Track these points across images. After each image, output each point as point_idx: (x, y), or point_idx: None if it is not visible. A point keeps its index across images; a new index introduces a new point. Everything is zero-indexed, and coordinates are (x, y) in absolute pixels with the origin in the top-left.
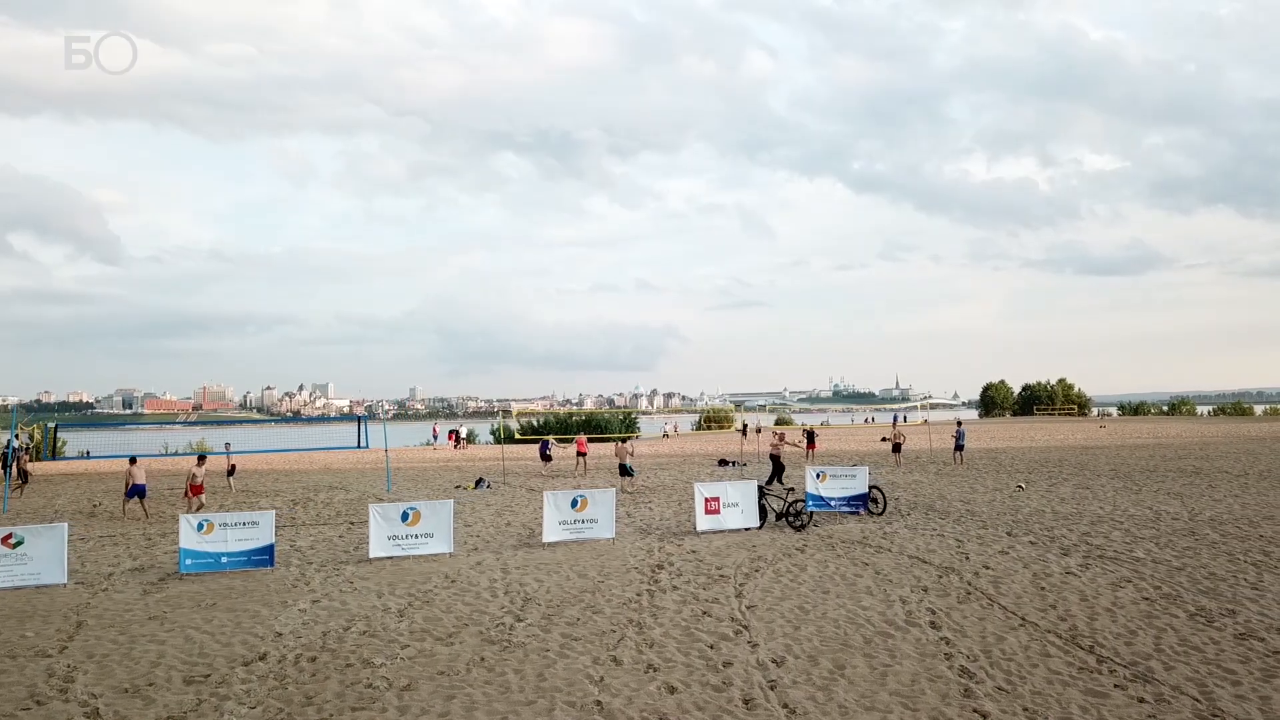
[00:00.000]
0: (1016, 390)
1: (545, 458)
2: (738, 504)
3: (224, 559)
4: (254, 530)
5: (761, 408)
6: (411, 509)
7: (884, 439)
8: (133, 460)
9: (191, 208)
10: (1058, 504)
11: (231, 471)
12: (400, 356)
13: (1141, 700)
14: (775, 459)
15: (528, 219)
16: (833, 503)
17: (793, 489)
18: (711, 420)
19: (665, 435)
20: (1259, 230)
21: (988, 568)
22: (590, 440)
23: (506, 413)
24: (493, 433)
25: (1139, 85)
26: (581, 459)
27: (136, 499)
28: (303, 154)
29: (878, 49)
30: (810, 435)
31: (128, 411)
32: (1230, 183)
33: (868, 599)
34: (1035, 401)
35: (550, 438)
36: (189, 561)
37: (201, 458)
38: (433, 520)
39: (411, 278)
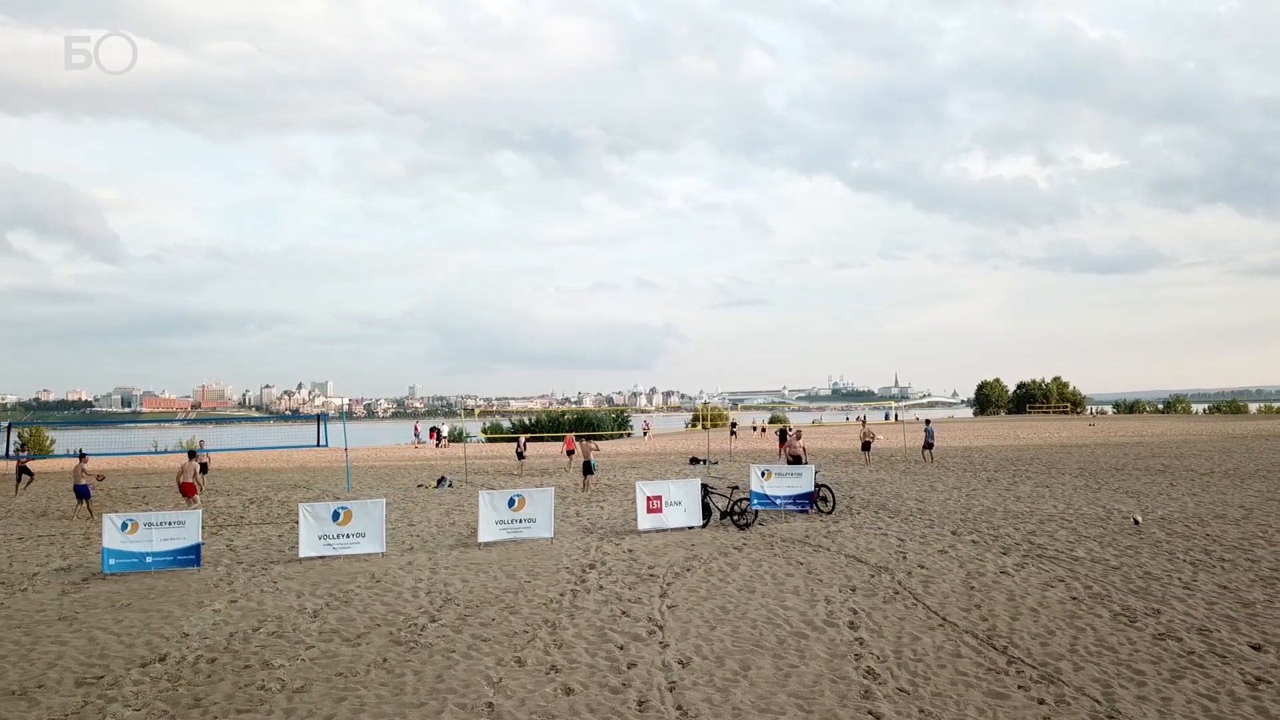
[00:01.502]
0: (1011, 388)
1: (521, 456)
2: (680, 503)
3: (149, 559)
4: (180, 530)
5: (760, 406)
6: (343, 508)
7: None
8: (82, 457)
9: (191, 206)
10: (1012, 502)
11: (203, 469)
12: (399, 355)
13: (1041, 702)
14: (796, 461)
15: (527, 217)
16: (778, 501)
17: (737, 487)
18: (703, 418)
19: (645, 433)
20: (1258, 229)
21: (922, 567)
22: (583, 438)
23: (500, 412)
24: (484, 430)
25: (1137, 83)
26: (571, 458)
27: (83, 499)
28: (301, 152)
29: (876, 47)
30: (783, 434)
31: (126, 410)
32: (1229, 181)
33: (792, 599)
34: (1030, 400)
35: (523, 436)
36: (112, 561)
37: (192, 454)
38: (364, 520)
39: (410, 276)
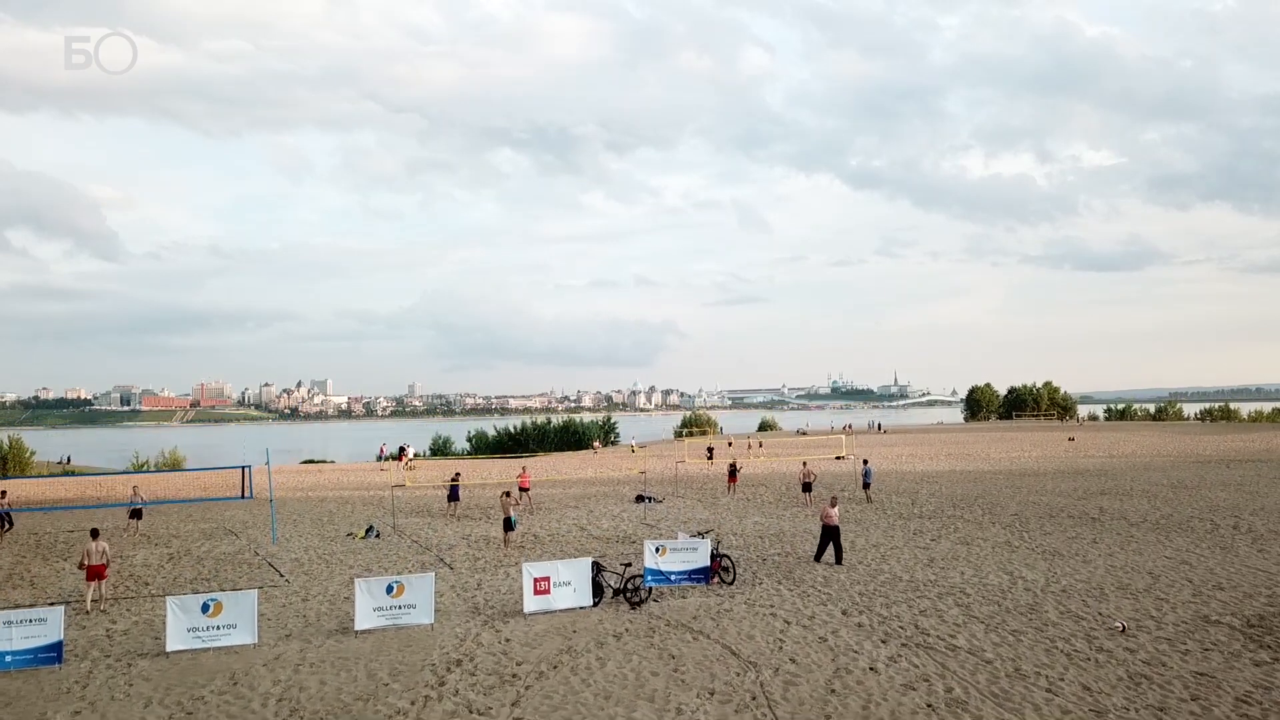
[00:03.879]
0: (1003, 392)
1: (453, 498)
2: (569, 582)
3: (8, 658)
4: (41, 627)
5: (760, 404)
6: (213, 600)
7: (806, 472)
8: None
9: (189, 204)
10: (923, 567)
11: (138, 515)
12: (399, 352)
13: None
14: (829, 530)
15: (525, 214)
16: (673, 577)
17: (630, 564)
18: (693, 426)
19: (633, 450)
20: (1257, 226)
21: (794, 661)
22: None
23: (500, 410)
24: (470, 439)
25: (1135, 80)
26: (525, 495)
27: None
28: (300, 150)
29: (873, 44)
30: (732, 470)
31: (125, 409)
32: (1228, 178)
33: (643, 709)
34: (1020, 404)
35: (459, 477)
36: None
37: (95, 532)
38: (236, 611)
39: (409, 273)
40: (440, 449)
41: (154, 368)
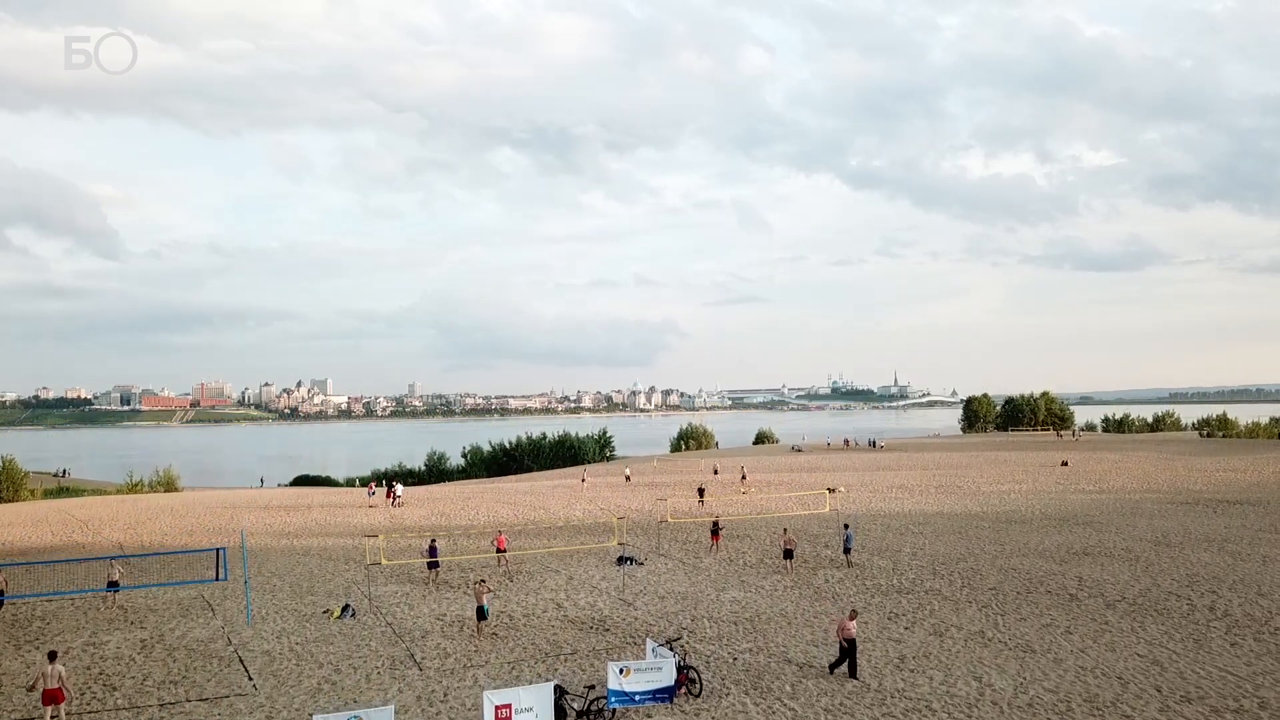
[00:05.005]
0: (1009, 386)
1: (432, 565)
2: (531, 708)
3: None
4: None
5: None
6: None
7: (786, 534)
8: None
9: (189, 202)
10: (892, 670)
11: (114, 586)
12: (399, 351)
13: None
14: (846, 643)
15: (525, 214)
16: (637, 698)
17: (593, 686)
18: (690, 438)
19: (626, 478)
20: (1257, 226)
21: None
22: (481, 581)
23: (500, 411)
24: (465, 455)
25: (1135, 81)
26: (502, 556)
27: None
28: (300, 149)
29: (873, 44)
30: (715, 528)
31: (125, 408)
32: (1228, 178)
33: None
34: (1018, 415)
35: (438, 540)
36: None
37: (53, 655)
38: None
39: (409, 273)
40: (435, 465)
41: (154, 366)
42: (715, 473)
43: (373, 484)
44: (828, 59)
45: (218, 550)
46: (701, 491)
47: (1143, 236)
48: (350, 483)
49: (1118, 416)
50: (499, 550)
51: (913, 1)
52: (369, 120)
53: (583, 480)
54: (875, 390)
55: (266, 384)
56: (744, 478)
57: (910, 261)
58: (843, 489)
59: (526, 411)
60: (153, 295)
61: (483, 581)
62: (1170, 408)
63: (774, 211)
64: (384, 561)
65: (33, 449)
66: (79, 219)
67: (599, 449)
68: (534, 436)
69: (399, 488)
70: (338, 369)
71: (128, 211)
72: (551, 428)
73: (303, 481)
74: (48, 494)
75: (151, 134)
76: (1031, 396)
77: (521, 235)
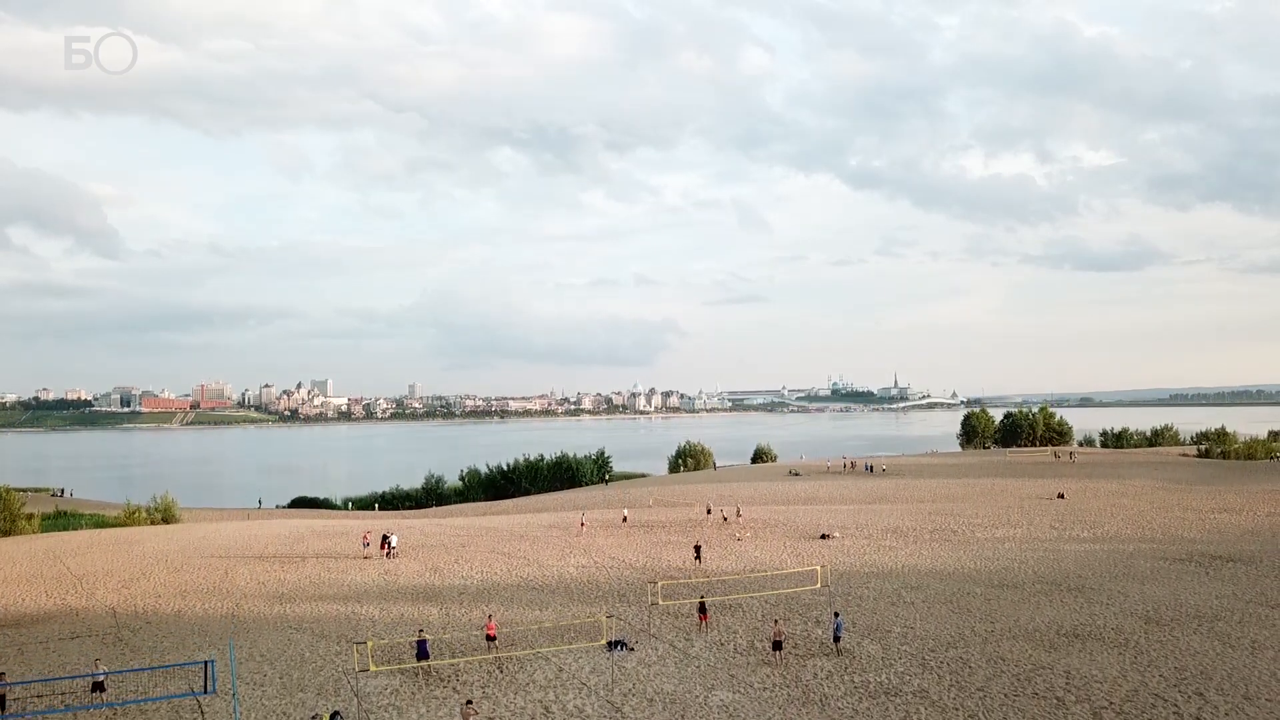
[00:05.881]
0: (999, 416)
1: (422, 655)
2: None
3: None
4: None
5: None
6: None
7: (777, 628)
8: None
9: (189, 202)
10: None
11: (100, 688)
12: (399, 350)
13: None
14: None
15: (525, 214)
16: None
17: None
18: (687, 457)
19: (623, 519)
20: (1257, 226)
21: None
22: (564, 487)
23: (500, 413)
24: (462, 479)
25: (1134, 81)
26: (492, 644)
27: None
28: (300, 149)
29: (872, 44)
30: (702, 606)
31: (125, 410)
32: (1228, 179)
33: None
34: (1016, 432)
35: (426, 635)
36: None
37: None
38: None
39: (410, 272)
40: (434, 489)
41: (154, 366)
42: (709, 512)
43: (366, 534)
44: (827, 59)
45: (206, 664)
46: (698, 549)
47: (1143, 237)
48: (347, 505)
49: (1116, 430)
50: (489, 637)
51: (912, 1)
52: (369, 120)
53: (581, 524)
54: (875, 392)
55: (267, 385)
56: (739, 514)
57: (910, 261)
58: (837, 534)
59: (526, 413)
60: (153, 294)
61: (470, 703)
62: (1169, 420)
63: (774, 211)
64: (373, 668)
65: (33, 454)
66: (79, 218)
67: (596, 470)
68: (531, 459)
69: (393, 538)
70: (338, 368)
71: (128, 210)
72: (550, 435)
73: (301, 504)
74: (46, 522)
75: (151, 134)
76: (1030, 412)
77: (521, 235)
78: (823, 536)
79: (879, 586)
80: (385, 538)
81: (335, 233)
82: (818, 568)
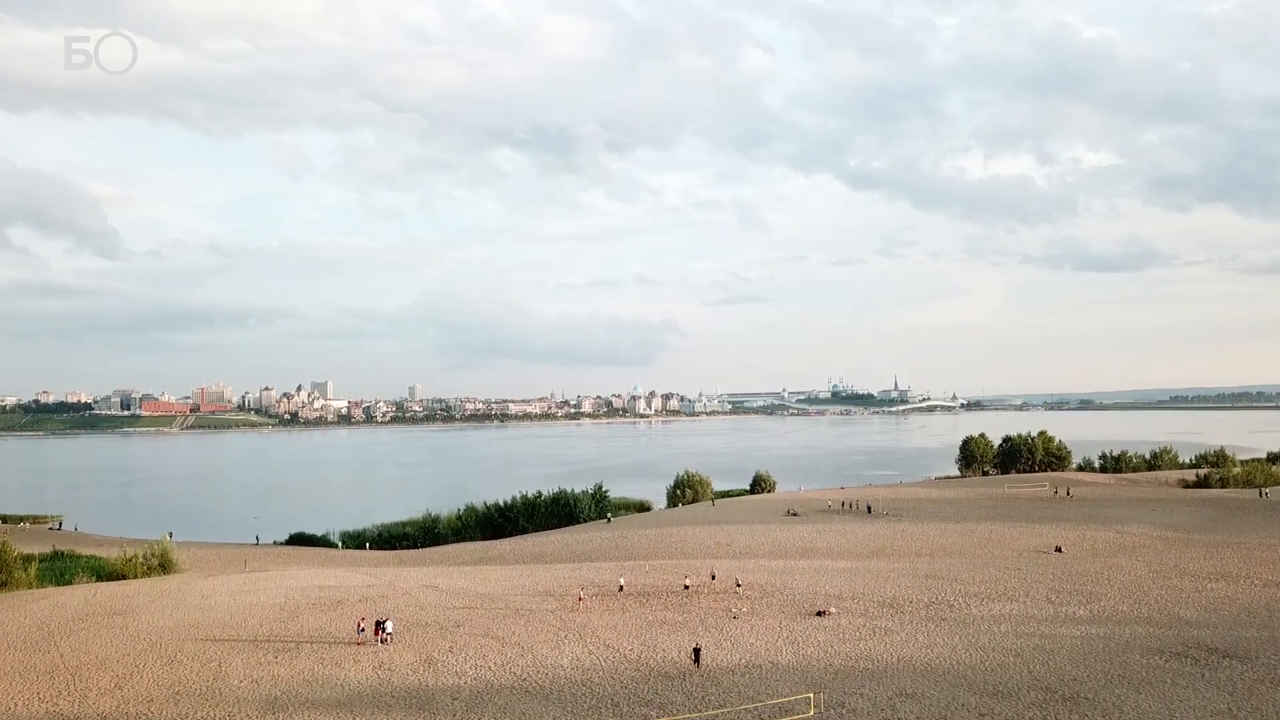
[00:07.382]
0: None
1: None
2: None
3: None
4: None
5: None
6: None
7: None
8: None
9: (190, 202)
10: None
11: None
12: (399, 351)
13: None
14: None
15: (525, 214)
16: None
17: None
18: (685, 488)
19: (620, 588)
20: (1257, 227)
21: None
22: (563, 524)
23: (500, 416)
24: (459, 517)
25: (1134, 82)
26: None
27: None
28: (300, 149)
29: (872, 45)
30: None
31: (125, 413)
32: (1227, 179)
33: None
34: (1015, 455)
35: None
36: None
37: None
38: None
39: (410, 272)
40: (430, 527)
41: (154, 365)
42: (713, 577)
43: (360, 620)
44: (827, 59)
45: None
46: (697, 653)
47: (1143, 237)
48: (345, 544)
49: (1115, 453)
50: None
51: (911, 2)
52: (369, 120)
53: (579, 599)
54: (875, 394)
55: (266, 388)
56: (737, 584)
57: (910, 261)
58: (833, 610)
59: (526, 416)
60: (153, 294)
61: None
62: (1169, 423)
63: (774, 211)
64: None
65: (32, 467)
66: (79, 218)
67: (594, 506)
68: (529, 495)
69: (388, 624)
70: (338, 368)
71: (128, 211)
72: (549, 444)
73: (298, 540)
74: (43, 566)
75: (151, 134)
76: (1029, 436)
77: (521, 235)
78: (819, 613)
79: (874, 694)
80: (379, 624)
81: (335, 233)
82: (809, 695)
